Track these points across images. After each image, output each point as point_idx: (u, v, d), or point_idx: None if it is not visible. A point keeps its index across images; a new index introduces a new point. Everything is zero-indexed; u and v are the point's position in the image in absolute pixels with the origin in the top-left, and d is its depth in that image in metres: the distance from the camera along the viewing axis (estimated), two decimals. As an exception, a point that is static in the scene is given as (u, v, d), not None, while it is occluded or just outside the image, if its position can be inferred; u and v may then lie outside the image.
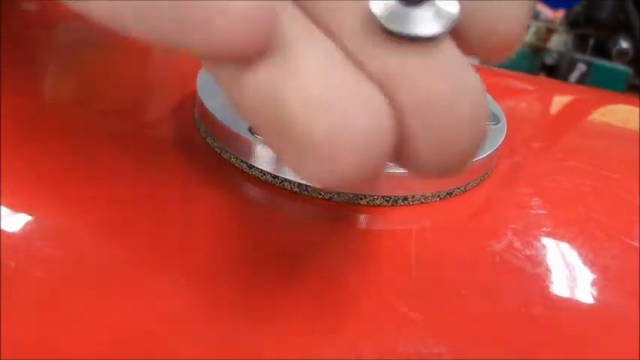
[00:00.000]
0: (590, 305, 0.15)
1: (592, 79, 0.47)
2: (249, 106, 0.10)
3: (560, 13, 0.54)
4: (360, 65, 0.10)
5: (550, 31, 0.50)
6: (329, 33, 0.11)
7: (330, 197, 0.17)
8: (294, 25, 0.10)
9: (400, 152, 0.10)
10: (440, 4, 0.10)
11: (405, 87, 0.10)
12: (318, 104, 0.09)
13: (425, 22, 0.10)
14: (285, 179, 0.17)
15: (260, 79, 0.10)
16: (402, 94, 0.10)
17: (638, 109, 0.28)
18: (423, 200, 0.17)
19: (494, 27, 0.11)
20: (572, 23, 0.50)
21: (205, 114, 0.18)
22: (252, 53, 0.10)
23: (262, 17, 0.10)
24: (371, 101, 0.10)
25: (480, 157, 0.18)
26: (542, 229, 0.17)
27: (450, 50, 0.10)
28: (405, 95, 0.10)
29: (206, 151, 0.18)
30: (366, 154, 0.09)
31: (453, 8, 0.10)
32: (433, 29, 0.10)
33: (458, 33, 0.11)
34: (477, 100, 0.10)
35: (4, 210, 0.14)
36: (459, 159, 0.10)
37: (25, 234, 0.14)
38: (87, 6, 0.11)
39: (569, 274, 0.16)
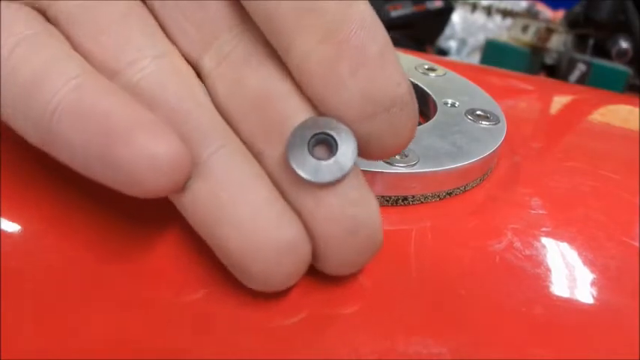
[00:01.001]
0: (590, 305, 0.15)
1: (592, 79, 0.48)
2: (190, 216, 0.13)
3: (560, 14, 0.54)
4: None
5: (550, 31, 0.50)
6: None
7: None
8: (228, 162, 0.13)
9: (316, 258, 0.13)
10: (339, 158, 0.12)
11: (311, 221, 0.13)
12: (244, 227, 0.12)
13: (325, 172, 0.12)
14: (285, 179, 0.17)
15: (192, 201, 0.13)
16: (310, 225, 0.13)
17: (638, 109, 0.28)
18: (423, 200, 0.17)
19: (387, 144, 0.13)
20: (572, 23, 0.50)
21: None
22: (177, 190, 0.12)
23: (184, 168, 0.12)
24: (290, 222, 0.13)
25: (480, 157, 0.18)
26: (542, 229, 0.17)
27: (350, 187, 0.13)
28: (313, 226, 0.13)
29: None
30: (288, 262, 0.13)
31: (349, 162, 0.12)
32: (330, 177, 0.12)
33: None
34: (371, 231, 0.13)
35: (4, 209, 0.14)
36: (359, 267, 0.14)
37: (21, 234, 0.14)
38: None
39: (569, 274, 0.16)
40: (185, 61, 0.14)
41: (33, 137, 0.13)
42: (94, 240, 0.14)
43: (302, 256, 0.13)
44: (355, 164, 0.13)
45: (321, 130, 0.13)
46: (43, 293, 0.13)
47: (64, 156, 0.12)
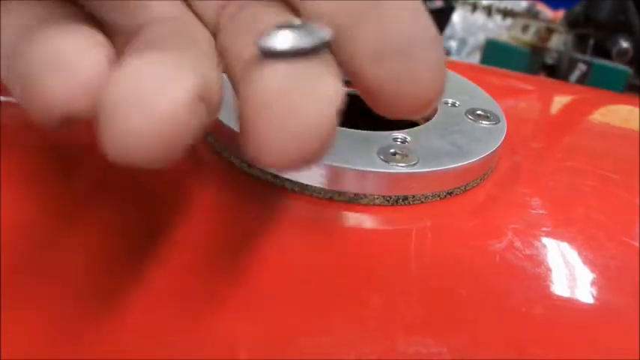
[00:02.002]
0: (590, 305, 0.15)
1: (592, 78, 0.48)
2: None
3: (560, 13, 0.54)
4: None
5: (550, 31, 0.50)
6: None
7: (330, 197, 0.17)
8: None
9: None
10: (312, 27, 0.11)
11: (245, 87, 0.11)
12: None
13: (288, 39, 0.11)
14: (286, 179, 0.17)
15: None
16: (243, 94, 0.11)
17: (638, 109, 0.28)
18: (423, 200, 0.17)
19: (404, 90, 0.11)
20: (572, 23, 0.50)
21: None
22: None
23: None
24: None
25: (481, 156, 0.18)
26: (542, 229, 0.17)
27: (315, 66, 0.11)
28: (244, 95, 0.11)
29: (206, 150, 0.18)
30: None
31: (323, 33, 0.11)
32: (288, 44, 0.11)
33: (369, 96, 0.12)
34: (324, 108, 0.10)
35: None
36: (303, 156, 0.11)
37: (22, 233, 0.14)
38: None
39: (569, 273, 0.16)
40: None
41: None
42: (94, 228, 0.14)
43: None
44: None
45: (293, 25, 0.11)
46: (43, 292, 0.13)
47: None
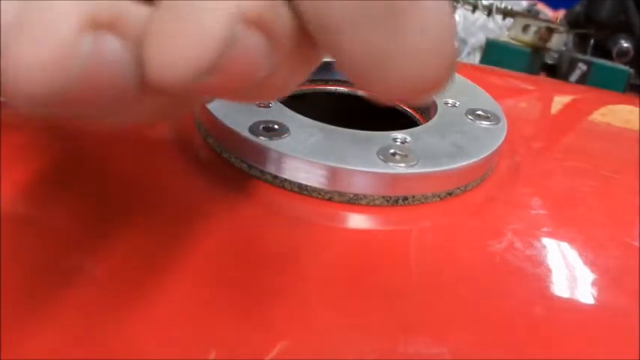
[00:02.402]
0: (590, 305, 0.15)
1: (592, 78, 0.47)
2: None
3: (560, 13, 0.54)
4: None
5: (550, 31, 0.50)
6: None
7: (330, 197, 0.17)
8: None
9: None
10: None
11: None
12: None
13: None
14: (285, 179, 0.17)
15: None
16: None
17: (638, 109, 0.28)
18: (423, 200, 0.17)
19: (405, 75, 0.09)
20: (572, 23, 0.49)
21: (206, 114, 0.18)
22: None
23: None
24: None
25: (481, 157, 0.18)
26: (542, 229, 0.17)
27: None
28: None
29: (206, 151, 0.18)
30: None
31: None
32: None
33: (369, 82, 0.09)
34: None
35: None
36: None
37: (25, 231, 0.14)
38: None
39: (569, 274, 0.16)
40: None
41: None
42: (97, 228, 0.14)
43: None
44: None
45: None
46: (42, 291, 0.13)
47: None
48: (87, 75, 0.09)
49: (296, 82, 0.11)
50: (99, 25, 0.09)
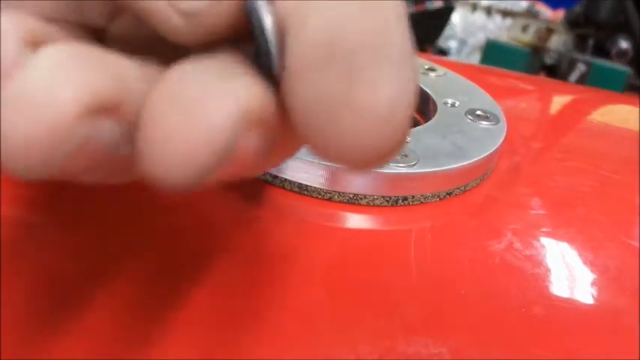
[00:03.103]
0: (589, 305, 0.15)
1: (592, 79, 0.48)
2: None
3: (560, 13, 0.54)
4: None
5: (550, 31, 0.50)
6: None
7: (330, 197, 0.17)
8: None
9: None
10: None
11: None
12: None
13: None
14: (285, 179, 0.17)
15: None
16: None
17: (638, 109, 0.28)
18: (422, 200, 0.17)
19: (340, 121, 0.08)
20: (572, 23, 0.50)
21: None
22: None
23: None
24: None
25: (480, 157, 0.18)
26: (541, 229, 0.17)
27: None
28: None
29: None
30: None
31: None
32: None
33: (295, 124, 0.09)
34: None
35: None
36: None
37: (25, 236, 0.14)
38: None
39: (568, 274, 0.16)
40: None
41: None
42: (100, 231, 0.14)
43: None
44: None
45: None
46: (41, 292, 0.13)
47: None
48: (82, 152, 0.09)
49: (290, 155, 0.11)
50: (98, 112, 0.09)
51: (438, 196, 0.17)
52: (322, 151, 0.08)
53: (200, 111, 0.08)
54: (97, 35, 0.12)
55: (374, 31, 0.08)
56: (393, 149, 0.08)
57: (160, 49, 0.11)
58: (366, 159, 0.08)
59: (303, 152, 0.16)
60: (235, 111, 0.08)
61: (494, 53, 0.52)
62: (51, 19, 0.12)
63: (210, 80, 0.08)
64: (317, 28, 0.08)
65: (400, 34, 0.08)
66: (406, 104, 0.08)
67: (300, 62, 0.08)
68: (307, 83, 0.08)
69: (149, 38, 0.11)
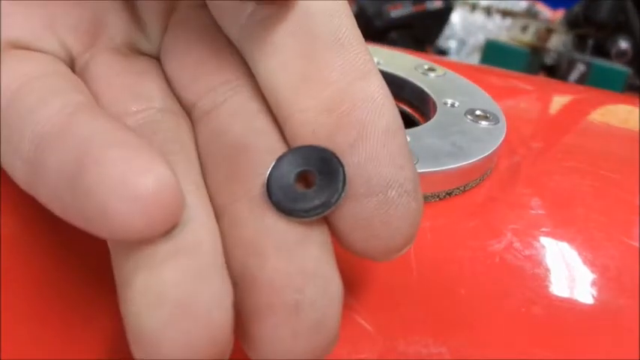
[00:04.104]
0: (589, 305, 0.15)
1: (591, 79, 0.48)
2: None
3: (559, 13, 0.54)
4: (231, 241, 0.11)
5: (549, 31, 0.50)
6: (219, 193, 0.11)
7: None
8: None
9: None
10: (324, 191, 0.11)
11: (249, 287, 0.10)
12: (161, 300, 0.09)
13: (307, 200, 0.11)
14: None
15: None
16: (247, 291, 0.10)
17: (637, 109, 0.28)
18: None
19: (375, 232, 0.11)
20: (571, 23, 0.50)
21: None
22: (159, 234, 0.10)
23: (170, 206, 0.09)
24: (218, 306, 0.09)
25: (480, 157, 0.18)
26: (541, 229, 0.17)
27: (308, 255, 0.10)
28: (249, 293, 0.10)
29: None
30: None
31: (334, 198, 0.10)
32: (308, 207, 0.10)
33: (339, 234, 0.11)
34: (319, 317, 0.10)
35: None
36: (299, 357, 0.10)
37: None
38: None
39: (568, 274, 0.16)
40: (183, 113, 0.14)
41: (19, 171, 0.11)
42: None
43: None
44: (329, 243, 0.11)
45: (306, 166, 0.11)
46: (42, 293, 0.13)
47: (43, 191, 0.11)
48: None
49: None
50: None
51: (438, 196, 0.17)
52: (347, 247, 0.11)
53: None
54: None
55: (402, 173, 0.11)
56: (410, 243, 0.11)
57: None
58: (393, 253, 0.11)
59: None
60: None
61: (493, 53, 0.52)
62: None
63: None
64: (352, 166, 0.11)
65: (414, 167, 0.11)
66: (420, 212, 0.11)
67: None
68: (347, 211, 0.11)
69: None
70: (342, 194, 0.10)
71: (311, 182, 0.11)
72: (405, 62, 0.24)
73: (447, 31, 0.68)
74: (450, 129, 0.19)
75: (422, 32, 0.62)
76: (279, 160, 0.11)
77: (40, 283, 0.13)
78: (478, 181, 0.18)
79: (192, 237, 0.10)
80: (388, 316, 0.14)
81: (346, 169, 0.11)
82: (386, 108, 0.11)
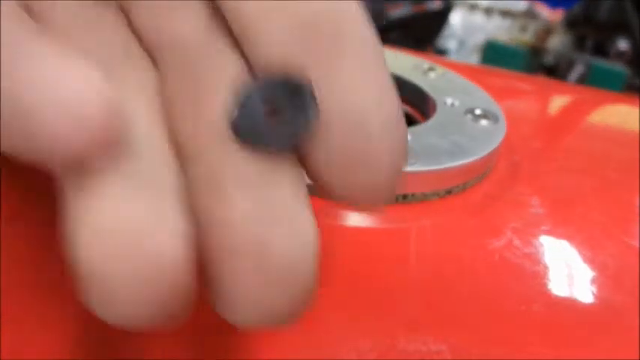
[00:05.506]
0: (589, 304, 0.15)
1: (591, 79, 0.48)
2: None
3: (559, 14, 0.54)
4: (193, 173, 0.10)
5: (549, 32, 0.50)
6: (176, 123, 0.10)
7: (330, 196, 0.17)
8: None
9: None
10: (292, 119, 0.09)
11: (207, 230, 0.09)
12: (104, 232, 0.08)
13: (274, 130, 0.09)
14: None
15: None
16: (206, 237, 0.09)
17: (637, 109, 0.28)
18: (422, 198, 0.17)
19: (353, 164, 0.09)
20: (570, 23, 0.50)
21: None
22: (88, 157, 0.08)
23: (109, 118, 0.08)
24: (171, 233, 0.08)
25: (480, 155, 0.18)
26: (541, 228, 0.17)
27: (278, 197, 0.09)
28: (207, 239, 0.09)
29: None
30: (151, 288, 0.08)
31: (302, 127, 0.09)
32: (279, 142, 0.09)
33: (312, 172, 0.10)
34: (290, 269, 0.09)
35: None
36: (268, 315, 0.09)
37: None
38: None
39: (568, 272, 0.16)
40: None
41: None
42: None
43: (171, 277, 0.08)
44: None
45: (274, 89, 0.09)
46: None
47: None
48: None
49: None
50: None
51: (438, 195, 0.17)
52: (325, 191, 0.10)
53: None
54: None
55: (380, 98, 0.10)
56: (395, 185, 0.10)
57: None
58: (375, 196, 0.10)
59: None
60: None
61: (493, 53, 0.52)
62: None
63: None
64: (326, 96, 0.09)
65: (394, 94, 0.10)
66: (404, 147, 0.10)
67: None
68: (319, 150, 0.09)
69: None
70: (312, 121, 0.09)
71: (279, 112, 0.09)
72: (404, 62, 0.24)
73: (446, 31, 0.68)
74: (450, 128, 0.19)
75: (422, 32, 0.62)
76: (244, 88, 0.09)
77: (41, 283, 0.13)
78: (478, 179, 0.18)
79: (146, 168, 0.09)
80: (388, 314, 0.14)
81: (318, 95, 0.09)
82: (364, 24, 0.10)
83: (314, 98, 0.09)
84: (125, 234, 0.08)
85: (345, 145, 0.09)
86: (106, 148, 0.08)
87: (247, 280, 0.09)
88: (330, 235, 0.16)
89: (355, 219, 0.17)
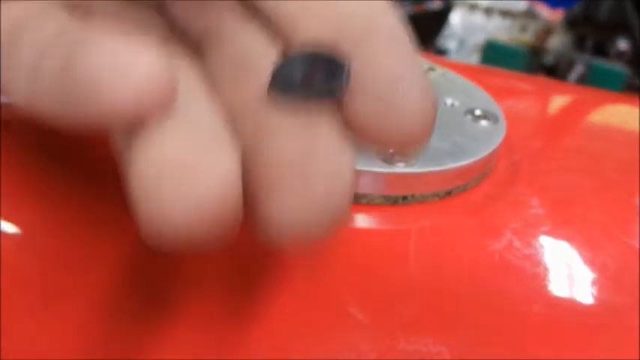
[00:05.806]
0: (589, 305, 0.15)
1: (591, 79, 0.48)
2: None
3: (558, 14, 0.54)
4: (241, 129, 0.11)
5: (549, 32, 0.50)
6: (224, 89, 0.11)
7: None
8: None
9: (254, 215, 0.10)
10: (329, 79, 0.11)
11: (255, 153, 0.10)
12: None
13: (311, 90, 0.11)
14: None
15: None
16: (252, 160, 0.10)
17: (637, 109, 0.28)
18: (422, 199, 0.17)
19: (389, 108, 0.11)
20: (570, 23, 0.50)
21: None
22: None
23: (162, 85, 0.09)
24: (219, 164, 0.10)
25: (480, 156, 0.18)
26: (541, 229, 0.17)
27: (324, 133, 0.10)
28: (254, 163, 0.10)
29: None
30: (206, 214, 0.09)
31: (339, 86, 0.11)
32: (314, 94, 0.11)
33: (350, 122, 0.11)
34: (332, 181, 0.10)
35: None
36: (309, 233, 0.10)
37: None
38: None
39: (568, 273, 0.16)
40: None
41: (21, 85, 0.11)
42: (91, 228, 0.14)
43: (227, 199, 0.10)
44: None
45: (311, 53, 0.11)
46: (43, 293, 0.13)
47: (40, 100, 0.11)
48: None
49: None
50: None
51: (438, 196, 0.17)
52: (367, 141, 0.11)
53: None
54: None
55: (407, 64, 0.11)
56: (429, 131, 0.11)
57: None
58: (413, 142, 0.11)
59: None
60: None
61: (493, 53, 0.52)
62: None
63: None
64: (362, 66, 0.11)
65: (419, 61, 0.11)
66: (431, 101, 0.11)
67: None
68: (358, 108, 0.11)
69: None
70: (345, 85, 0.10)
71: (315, 74, 0.11)
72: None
73: (446, 31, 0.68)
74: (450, 129, 0.19)
75: (422, 32, 0.62)
76: (284, 59, 0.11)
77: (41, 284, 0.13)
78: (478, 180, 0.18)
79: (193, 114, 0.10)
80: (388, 315, 0.14)
81: (351, 64, 0.11)
82: (390, 11, 0.11)
83: (348, 64, 0.10)
84: (183, 160, 0.09)
85: (379, 97, 0.10)
86: (165, 106, 0.10)
87: (289, 205, 0.10)
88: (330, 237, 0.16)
89: (356, 221, 0.17)
